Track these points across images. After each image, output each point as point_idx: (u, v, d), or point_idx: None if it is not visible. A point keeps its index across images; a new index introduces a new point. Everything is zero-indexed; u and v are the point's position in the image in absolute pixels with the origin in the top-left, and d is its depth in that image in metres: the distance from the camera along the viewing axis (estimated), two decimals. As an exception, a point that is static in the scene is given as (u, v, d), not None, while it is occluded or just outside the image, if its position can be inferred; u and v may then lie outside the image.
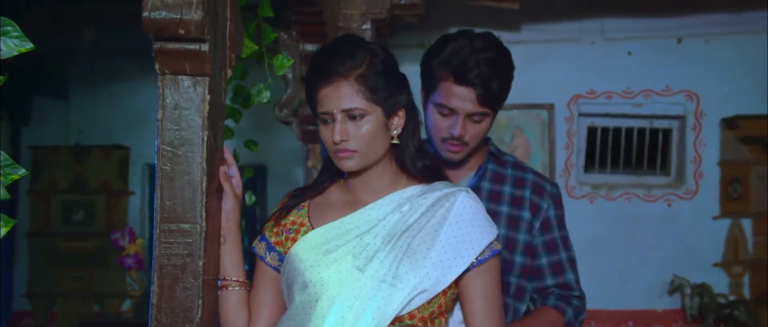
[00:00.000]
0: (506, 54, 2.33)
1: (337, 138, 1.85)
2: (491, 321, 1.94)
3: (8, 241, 5.96)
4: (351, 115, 1.85)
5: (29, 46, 1.49)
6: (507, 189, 2.42)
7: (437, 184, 1.97)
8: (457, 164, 2.37)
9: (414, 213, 1.91)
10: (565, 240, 2.45)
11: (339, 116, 1.85)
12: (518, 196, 2.41)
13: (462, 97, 2.24)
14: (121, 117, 6.13)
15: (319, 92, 1.87)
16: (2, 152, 1.46)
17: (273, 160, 5.76)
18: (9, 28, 1.48)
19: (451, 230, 1.89)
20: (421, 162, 1.98)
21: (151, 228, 6.19)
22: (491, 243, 1.92)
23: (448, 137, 2.27)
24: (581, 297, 2.44)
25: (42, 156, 6.10)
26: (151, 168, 6.21)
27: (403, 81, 1.97)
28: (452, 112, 2.26)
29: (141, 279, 6.01)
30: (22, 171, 1.50)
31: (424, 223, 1.89)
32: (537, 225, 2.40)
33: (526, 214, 2.39)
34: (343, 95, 1.84)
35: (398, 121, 1.94)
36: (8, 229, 1.49)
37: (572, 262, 2.44)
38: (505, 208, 2.37)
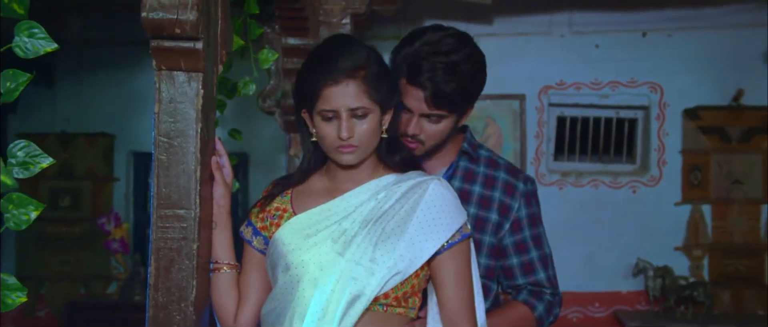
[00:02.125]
0: (470, 58, 2.23)
1: (345, 135, 1.89)
2: (462, 302, 2.00)
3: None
4: (355, 114, 1.90)
5: (54, 46, 1.57)
6: (477, 189, 2.35)
7: (411, 173, 2.04)
8: (428, 159, 2.31)
9: (389, 200, 1.97)
10: (538, 238, 2.38)
11: (344, 114, 1.89)
12: (487, 197, 2.34)
13: (414, 97, 2.18)
14: (106, 105, 6.10)
15: (324, 91, 1.89)
16: (31, 143, 1.54)
17: (255, 148, 5.76)
18: (36, 30, 1.55)
19: (423, 215, 1.95)
20: (398, 154, 2.04)
21: (136, 213, 6.23)
22: (461, 227, 1.99)
23: (403, 134, 2.20)
24: (555, 294, 2.38)
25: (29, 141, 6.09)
26: (136, 155, 6.22)
27: (395, 80, 2.04)
28: (409, 109, 2.19)
29: (126, 262, 6.05)
30: (50, 160, 1.56)
31: (398, 209, 1.96)
32: (507, 225, 2.34)
33: (494, 216, 2.33)
34: (351, 95, 1.89)
35: (388, 118, 2.00)
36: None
37: (544, 259, 2.38)
38: (472, 210, 2.31)
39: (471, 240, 2.06)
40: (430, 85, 2.16)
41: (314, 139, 1.99)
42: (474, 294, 2.07)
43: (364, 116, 1.91)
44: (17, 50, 1.56)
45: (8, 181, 1.54)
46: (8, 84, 1.54)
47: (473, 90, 2.28)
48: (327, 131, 1.93)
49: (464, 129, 2.45)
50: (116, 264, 6.09)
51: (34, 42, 1.56)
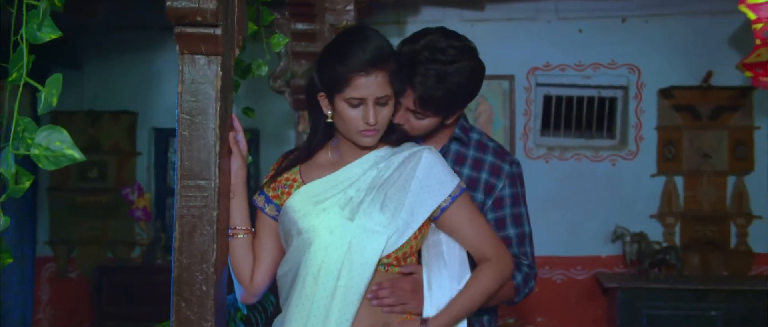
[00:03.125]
0: (464, 71, 2.17)
1: (373, 121, 1.93)
2: (482, 236, 2.07)
3: (31, 196, 5.97)
4: (379, 101, 1.94)
5: (58, 33, 1.58)
6: (465, 171, 2.32)
7: (405, 144, 2.09)
8: (421, 142, 2.23)
9: (388, 169, 2.02)
10: (517, 217, 2.33)
11: (371, 102, 1.93)
12: (475, 178, 2.32)
13: (405, 92, 2.12)
14: (129, 85, 6.10)
15: (355, 81, 1.92)
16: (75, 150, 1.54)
17: (266, 124, 5.79)
18: (45, 18, 1.57)
19: (419, 181, 2.00)
20: (394, 134, 2.09)
21: (157, 184, 6.25)
22: (457, 185, 2.04)
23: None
24: (531, 267, 2.32)
25: (59, 121, 6.08)
26: (157, 131, 6.23)
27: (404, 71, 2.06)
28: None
29: (148, 229, 6.09)
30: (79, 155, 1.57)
31: (397, 177, 2.00)
32: (489, 203, 2.31)
33: (479, 196, 2.30)
34: (378, 84, 1.93)
35: (394, 103, 2.03)
36: (29, 184, 1.57)
37: (522, 237, 2.32)
38: None
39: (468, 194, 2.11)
40: (420, 89, 2.13)
41: (330, 120, 2.02)
42: (490, 228, 2.13)
43: (385, 103, 1.96)
44: (29, 36, 1.57)
45: (75, 154, 1.55)
46: (53, 90, 1.56)
47: (460, 100, 2.25)
48: (353, 116, 1.96)
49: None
50: (139, 231, 6.13)
51: (44, 29, 1.58)
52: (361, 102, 1.94)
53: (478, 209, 2.14)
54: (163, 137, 6.28)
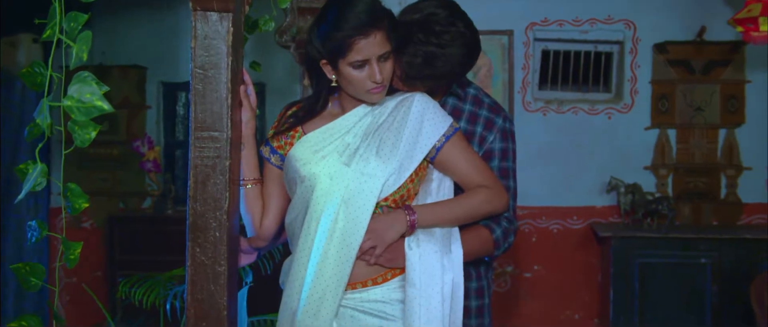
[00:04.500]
0: (452, 59, 2.12)
1: (380, 78, 1.96)
2: (479, 170, 2.11)
3: (45, 150, 5.99)
4: (383, 58, 1.97)
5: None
6: (461, 125, 2.29)
7: (398, 92, 2.13)
8: None
9: (382, 115, 2.06)
10: (505, 170, 2.31)
11: (374, 61, 1.96)
12: (470, 132, 2.31)
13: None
14: (138, 40, 6.08)
15: (356, 44, 1.94)
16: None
17: (272, 78, 5.80)
18: None
19: (412, 124, 2.04)
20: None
21: (166, 137, 6.28)
22: (450, 124, 2.08)
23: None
24: (511, 222, 2.28)
25: (70, 75, 6.10)
26: (165, 85, 6.23)
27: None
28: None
29: (158, 180, 6.13)
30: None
31: (392, 122, 2.05)
32: (480, 154, 2.28)
33: (474, 149, 2.27)
34: (378, 43, 1.95)
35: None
36: (95, 133, 1.62)
37: (507, 190, 2.27)
38: None
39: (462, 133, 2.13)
40: (406, 67, 2.11)
41: (334, 84, 2.05)
42: (486, 165, 2.16)
43: (387, 59, 1.99)
44: None
45: (104, 106, 1.60)
46: (71, 24, 1.60)
47: (446, 81, 2.23)
48: (359, 77, 1.99)
49: None
50: (150, 182, 6.18)
51: None
52: (364, 63, 1.97)
53: (473, 148, 2.18)
54: (172, 91, 6.29)
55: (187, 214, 1.88)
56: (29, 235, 1.81)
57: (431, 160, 2.09)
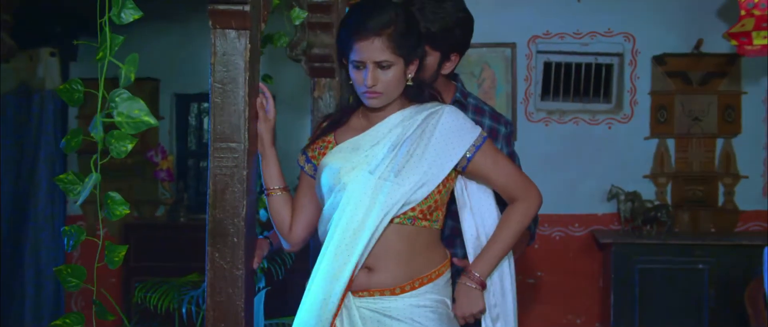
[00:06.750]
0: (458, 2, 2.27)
1: (369, 83, 1.98)
2: (511, 176, 2.13)
3: (62, 159, 6.05)
4: (380, 66, 1.99)
5: (139, 13, 1.68)
6: None
7: (427, 104, 2.12)
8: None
9: (411, 127, 2.06)
10: None
11: (370, 65, 1.98)
12: None
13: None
14: (151, 53, 6.04)
15: (356, 44, 1.98)
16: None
17: (282, 90, 5.81)
18: (127, 0, 1.67)
19: (440, 136, 2.05)
20: (422, 95, 2.14)
21: (179, 147, 6.32)
22: (479, 135, 2.08)
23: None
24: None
25: (87, 86, 6.13)
26: (178, 97, 6.27)
27: (420, 37, 2.09)
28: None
29: (171, 189, 6.16)
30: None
31: (420, 133, 2.05)
32: None
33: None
34: (376, 49, 1.97)
35: (413, 68, 2.07)
36: (132, 145, 1.69)
37: None
38: None
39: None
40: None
41: (351, 82, 2.09)
42: (517, 168, 2.19)
43: (388, 68, 2.00)
44: (114, 18, 1.67)
45: (151, 120, 1.66)
46: (131, 68, 1.67)
47: (454, 35, 2.28)
48: (357, 78, 2.03)
49: (456, 79, 2.49)
50: (163, 191, 6.20)
51: (126, 11, 1.68)
52: (363, 65, 2.01)
53: (502, 154, 2.19)
54: (184, 102, 6.32)
55: (206, 221, 1.94)
56: (66, 240, 1.88)
57: (463, 169, 2.11)
